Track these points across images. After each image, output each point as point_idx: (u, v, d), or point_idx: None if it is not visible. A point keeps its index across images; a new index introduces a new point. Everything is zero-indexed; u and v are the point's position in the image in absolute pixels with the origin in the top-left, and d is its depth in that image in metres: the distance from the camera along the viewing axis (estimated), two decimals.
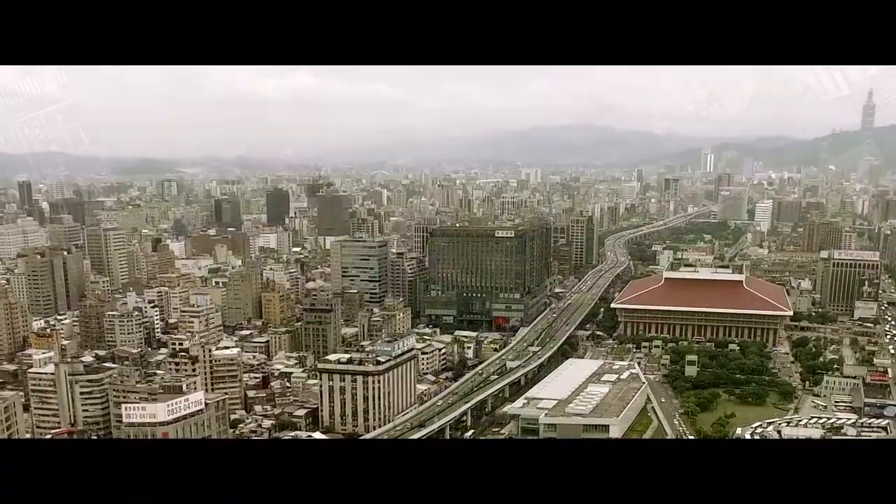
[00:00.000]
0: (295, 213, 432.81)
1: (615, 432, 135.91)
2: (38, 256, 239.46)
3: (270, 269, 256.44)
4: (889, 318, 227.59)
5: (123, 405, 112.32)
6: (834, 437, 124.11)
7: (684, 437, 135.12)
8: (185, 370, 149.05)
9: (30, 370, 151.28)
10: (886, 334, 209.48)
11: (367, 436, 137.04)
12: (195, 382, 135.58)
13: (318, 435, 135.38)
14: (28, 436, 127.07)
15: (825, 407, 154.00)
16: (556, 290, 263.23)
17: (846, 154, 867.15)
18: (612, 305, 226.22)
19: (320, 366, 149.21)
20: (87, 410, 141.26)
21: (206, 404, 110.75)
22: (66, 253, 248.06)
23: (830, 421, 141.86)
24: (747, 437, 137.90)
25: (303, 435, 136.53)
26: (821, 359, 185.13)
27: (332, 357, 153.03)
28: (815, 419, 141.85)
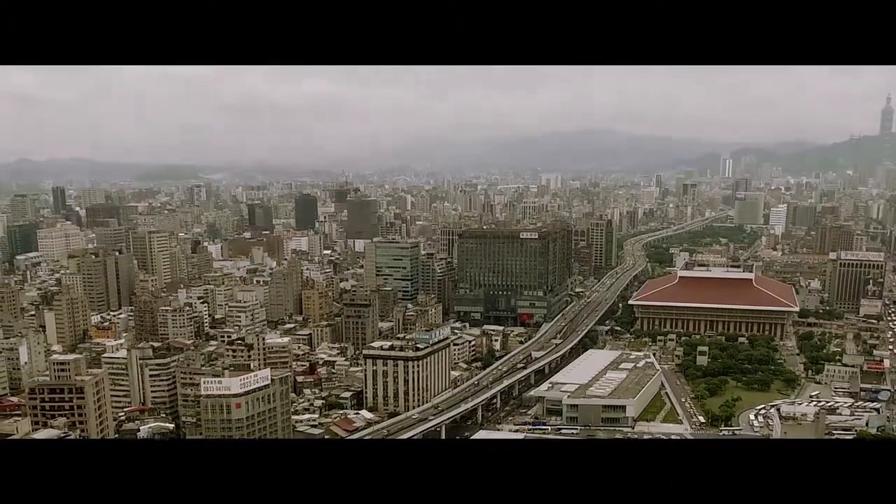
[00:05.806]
0: (324, 218, 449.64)
1: (631, 412, 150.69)
2: (93, 257, 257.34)
3: (307, 269, 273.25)
4: (893, 316, 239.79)
5: (202, 379, 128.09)
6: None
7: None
8: (242, 356, 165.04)
9: (104, 355, 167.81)
10: (889, 329, 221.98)
11: (407, 414, 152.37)
12: (252, 366, 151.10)
13: (364, 413, 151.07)
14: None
15: (818, 394, 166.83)
16: (577, 289, 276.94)
17: (864, 159, 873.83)
18: (630, 302, 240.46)
19: (365, 352, 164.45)
20: (155, 392, 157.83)
21: (273, 380, 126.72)
22: (117, 254, 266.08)
23: (829, 404, 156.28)
24: (751, 417, 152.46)
25: (350, 414, 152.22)
26: (824, 351, 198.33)
27: (375, 344, 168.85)
28: (813, 401, 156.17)
